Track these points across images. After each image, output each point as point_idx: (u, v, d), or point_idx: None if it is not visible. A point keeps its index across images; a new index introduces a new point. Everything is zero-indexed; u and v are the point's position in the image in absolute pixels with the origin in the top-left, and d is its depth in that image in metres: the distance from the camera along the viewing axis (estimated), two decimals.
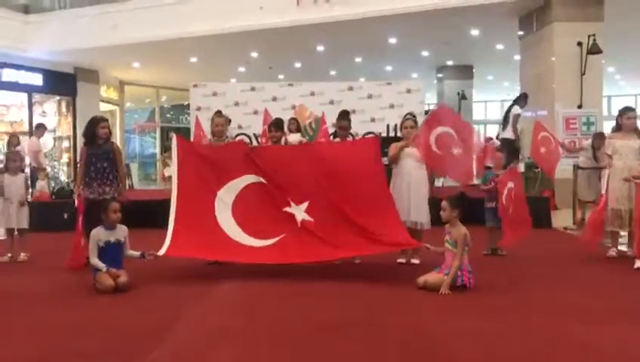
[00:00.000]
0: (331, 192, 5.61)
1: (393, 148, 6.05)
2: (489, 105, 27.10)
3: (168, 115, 23.67)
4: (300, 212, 5.64)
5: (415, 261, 5.91)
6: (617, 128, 6.52)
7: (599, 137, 8.59)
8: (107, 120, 6.62)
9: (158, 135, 22.38)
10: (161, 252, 5.30)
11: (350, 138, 6.66)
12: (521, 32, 12.85)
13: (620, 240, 6.64)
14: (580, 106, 10.82)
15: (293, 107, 11.96)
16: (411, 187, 5.82)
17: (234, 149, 6.25)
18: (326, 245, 5.45)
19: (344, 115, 6.66)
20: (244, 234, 5.60)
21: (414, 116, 6.32)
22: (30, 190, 7.74)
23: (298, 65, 17.88)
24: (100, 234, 5.09)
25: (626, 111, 6.43)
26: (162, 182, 13.91)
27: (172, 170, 5.95)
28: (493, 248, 6.57)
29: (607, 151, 6.45)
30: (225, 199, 5.74)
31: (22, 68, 15.71)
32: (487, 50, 15.95)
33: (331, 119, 9.94)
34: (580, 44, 10.88)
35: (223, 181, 5.80)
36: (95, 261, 5.02)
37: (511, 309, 4.32)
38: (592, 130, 10.10)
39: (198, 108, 11.76)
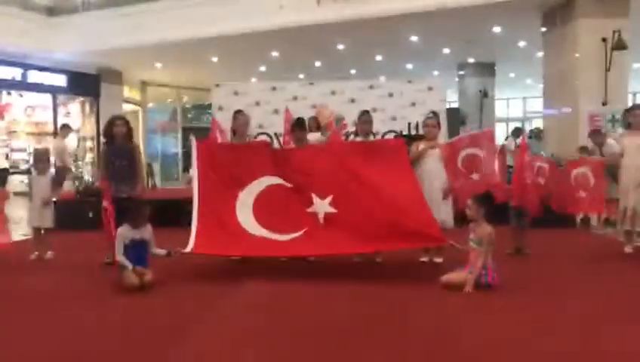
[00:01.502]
0: (356, 185, 5.58)
1: (414, 148, 6.03)
2: (511, 103, 26.82)
3: (189, 115, 23.86)
4: (323, 207, 5.63)
5: (438, 260, 5.89)
6: (627, 126, 6.56)
7: (596, 134, 8.56)
8: (124, 118, 6.65)
9: (179, 135, 22.58)
10: (187, 250, 5.35)
11: (372, 136, 6.63)
12: (544, 29, 12.70)
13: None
14: (604, 103, 10.66)
15: (314, 106, 11.97)
16: (433, 186, 5.79)
17: (256, 149, 6.27)
18: (349, 238, 5.40)
19: (366, 113, 6.65)
20: (264, 230, 5.62)
21: (437, 115, 6.29)
22: (58, 189, 7.81)
23: (318, 64, 17.89)
24: (126, 232, 5.16)
25: (633, 109, 6.47)
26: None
27: (192, 172, 6.01)
28: (517, 247, 6.52)
29: (617, 150, 6.48)
30: (246, 200, 5.78)
31: (46, 69, 15.95)
32: (509, 47, 15.79)
33: (351, 117, 9.92)
34: (604, 40, 10.71)
35: (244, 182, 5.83)
36: (121, 258, 5.08)
37: (535, 309, 4.28)
38: (617, 127, 9.96)
39: (220, 108, 11.82)
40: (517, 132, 13.32)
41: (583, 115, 10.60)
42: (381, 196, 5.44)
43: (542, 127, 13.28)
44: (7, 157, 15.69)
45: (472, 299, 4.56)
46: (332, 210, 5.57)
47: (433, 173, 5.84)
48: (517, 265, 5.94)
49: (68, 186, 10.15)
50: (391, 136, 10.65)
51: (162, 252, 5.33)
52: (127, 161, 6.24)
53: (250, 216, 5.71)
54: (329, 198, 5.60)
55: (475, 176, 5.92)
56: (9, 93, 15.44)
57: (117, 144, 6.29)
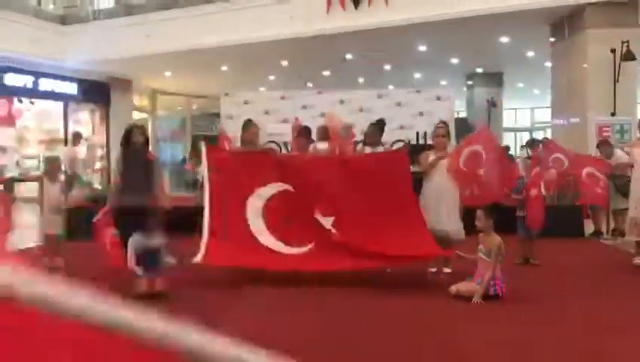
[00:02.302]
0: (359, 205, 5.67)
1: (424, 158, 6.04)
2: (519, 113, 26.80)
3: (198, 123, 23.96)
4: (327, 223, 5.73)
5: (447, 270, 5.89)
6: None
7: (605, 145, 8.55)
8: (142, 127, 6.70)
9: (189, 143, 22.68)
10: (197, 260, 5.40)
11: (380, 147, 6.66)
12: (552, 39, 12.71)
13: None
14: (613, 114, 10.64)
15: (323, 115, 12.02)
16: (442, 196, 5.80)
17: (263, 157, 6.33)
18: (355, 255, 5.48)
19: (375, 124, 6.69)
20: (274, 241, 5.67)
21: (447, 124, 6.32)
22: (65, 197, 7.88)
23: (327, 73, 17.95)
24: (139, 241, 5.21)
25: None
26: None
27: (203, 178, 6.02)
28: (526, 257, 6.51)
29: (626, 161, 6.53)
30: (256, 205, 5.83)
31: (58, 77, 16.07)
32: (517, 57, 15.81)
33: (360, 127, 9.96)
34: (613, 50, 10.70)
35: (253, 188, 5.88)
36: (133, 266, 5.13)
37: (544, 320, 4.29)
38: (625, 138, 9.95)
39: (229, 117, 11.90)
40: (532, 143, 13.17)
41: (591, 125, 10.59)
42: (383, 215, 5.54)
43: (550, 138, 13.27)
44: (17, 164, 15.76)
45: (480, 309, 4.57)
46: (335, 231, 5.66)
47: (442, 184, 5.85)
48: (525, 275, 5.94)
49: (76, 194, 10.21)
50: (399, 145, 10.67)
51: (173, 260, 5.38)
52: (142, 170, 6.26)
53: (262, 223, 5.76)
54: (331, 219, 5.71)
55: (481, 172, 5.92)
56: (20, 101, 15.55)
57: (133, 153, 6.32)
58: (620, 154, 8.18)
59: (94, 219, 5.80)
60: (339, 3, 12.26)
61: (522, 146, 12.52)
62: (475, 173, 5.95)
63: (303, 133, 6.81)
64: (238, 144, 7.26)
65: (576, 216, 8.68)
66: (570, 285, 5.53)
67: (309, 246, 5.63)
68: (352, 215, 5.69)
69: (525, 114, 26.94)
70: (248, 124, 6.70)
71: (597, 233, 8.59)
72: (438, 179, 5.87)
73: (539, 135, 21.08)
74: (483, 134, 6.33)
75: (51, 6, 16.33)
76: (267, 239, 5.68)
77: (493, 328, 4.08)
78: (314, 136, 7.44)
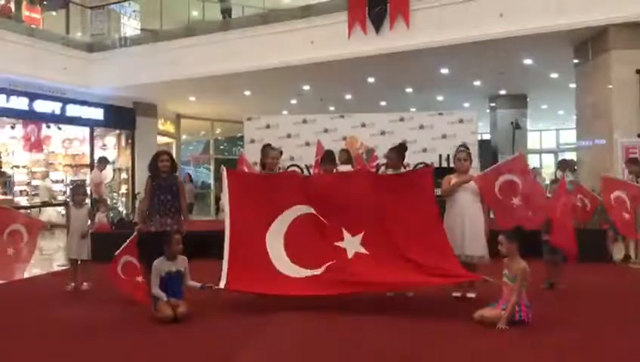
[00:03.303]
0: (386, 223, 5.62)
1: (447, 182, 5.99)
2: (544, 135, 26.56)
3: (222, 147, 24.22)
4: (354, 244, 5.65)
5: (471, 295, 5.80)
6: None
7: (634, 163, 8.39)
8: (168, 153, 6.82)
9: (212, 166, 22.93)
10: (220, 286, 5.40)
11: (403, 170, 6.65)
12: (576, 60, 12.62)
13: None
14: None
15: (344, 138, 12.07)
16: (466, 220, 5.73)
17: (287, 179, 6.33)
18: (376, 277, 5.41)
19: (397, 149, 6.69)
20: (292, 265, 5.62)
21: (468, 148, 6.28)
22: (91, 222, 7.98)
23: (349, 96, 18.03)
24: (162, 265, 5.25)
25: None
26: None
27: (224, 203, 6.04)
28: (551, 282, 6.40)
29: None
30: (277, 230, 5.80)
31: (85, 103, 16.40)
32: (541, 78, 15.70)
33: (383, 150, 9.99)
34: (638, 71, 10.58)
35: (275, 212, 5.86)
36: (156, 291, 5.15)
37: (570, 347, 4.20)
38: None
39: (252, 141, 12.01)
40: (562, 164, 12.92)
41: (617, 146, 10.43)
42: (409, 236, 5.49)
43: (575, 159, 13.10)
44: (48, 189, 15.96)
45: (506, 335, 4.48)
46: (363, 250, 5.59)
47: (466, 207, 5.78)
48: (551, 300, 5.82)
49: (101, 218, 10.34)
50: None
51: (197, 285, 5.40)
52: (171, 196, 6.36)
53: (281, 248, 5.73)
54: (360, 236, 5.64)
55: (515, 201, 5.85)
56: (48, 127, 15.88)
57: (161, 178, 6.41)
58: None
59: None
60: (360, 28, 12.33)
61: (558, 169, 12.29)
62: (511, 201, 5.88)
63: (327, 157, 6.81)
64: (258, 168, 7.29)
65: (602, 240, 8.50)
66: (597, 311, 5.40)
67: (326, 265, 5.56)
68: (380, 231, 5.62)
69: (550, 135, 26.69)
70: (267, 149, 6.75)
71: (625, 257, 8.41)
72: (462, 203, 5.80)
73: (565, 156, 20.84)
74: (519, 163, 6.22)
75: (79, 34, 16.75)
76: (284, 264, 5.63)
77: (518, 354, 4.00)
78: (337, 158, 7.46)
